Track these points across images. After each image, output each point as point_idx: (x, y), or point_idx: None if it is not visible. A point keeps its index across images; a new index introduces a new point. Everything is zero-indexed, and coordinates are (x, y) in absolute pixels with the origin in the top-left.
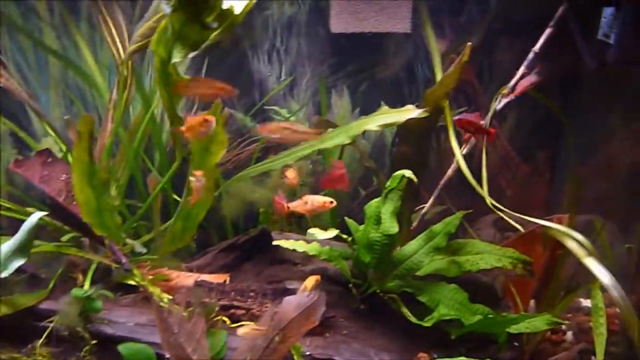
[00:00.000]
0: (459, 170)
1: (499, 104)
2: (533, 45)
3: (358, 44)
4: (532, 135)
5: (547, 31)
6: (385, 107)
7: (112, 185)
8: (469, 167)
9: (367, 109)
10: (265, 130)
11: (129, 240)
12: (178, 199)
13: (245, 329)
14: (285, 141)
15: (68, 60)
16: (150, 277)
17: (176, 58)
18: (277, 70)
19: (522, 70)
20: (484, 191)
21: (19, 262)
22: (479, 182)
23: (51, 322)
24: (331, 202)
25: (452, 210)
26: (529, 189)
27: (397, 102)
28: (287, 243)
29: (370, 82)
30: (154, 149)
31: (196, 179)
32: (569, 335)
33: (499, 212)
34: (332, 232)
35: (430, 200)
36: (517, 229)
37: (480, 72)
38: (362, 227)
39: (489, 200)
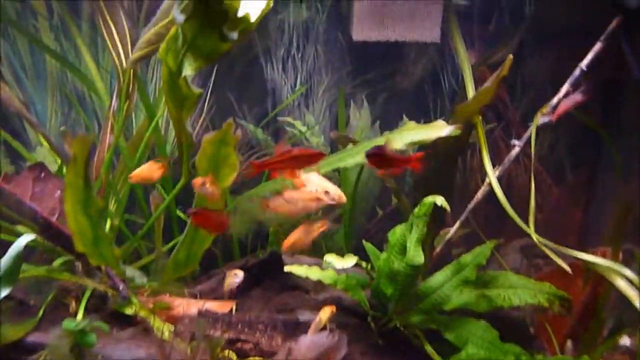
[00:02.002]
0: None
1: (541, 121)
2: (569, 57)
3: (378, 50)
4: (566, 155)
5: (597, 46)
6: (411, 123)
7: (111, 199)
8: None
9: (388, 122)
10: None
11: (128, 270)
12: (182, 216)
13: None
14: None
15: (67, 62)
16: (150, 305)
17: (188, 71)
18: (292, 78)
19: (565, 87)
20: (530, 228)
21: (4, 292)
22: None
23: (40, 356)
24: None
25: (477, 234)
26: (561, 214)
27: (420, 115)
28: (300, 269)
29: (391, 92)
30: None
31: (201, 186)
32: None
33: (547, 250)
34: (351, 260)
35: (456, 225)
36: (547, 256)
37: (511, 86)
38: (383, 254)
39: (535, 237)
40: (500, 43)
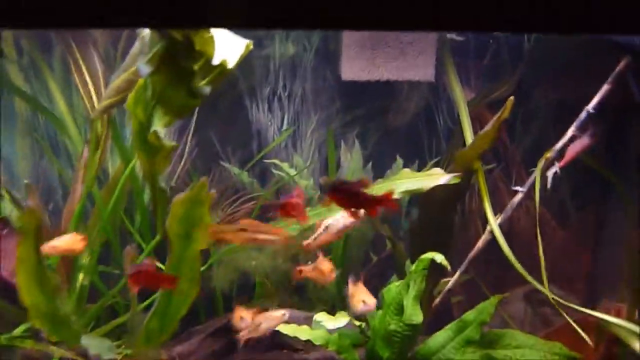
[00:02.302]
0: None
1: (548, 175)
2: (573, 95)
3: (369, 88)
4: (569, 194)
5: (604, 88)
6: (406, 170)
7: (85, 251)
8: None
9: (381, 163)
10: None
11: (94, 343)
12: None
13: None
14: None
15: (39, 105)
16: None
17: (158, 125)
18: (279, 119)
19: (571, 131)
20: (544, 285)
21: None
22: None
23: None
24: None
25: (476, 282)
26: (568, 258)
27: (414, 155)
28: (289, 328)
29: (384, 131)
30: (134, 209)
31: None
32: None
33: (562, 311)
34: (343, 319)
35: (456, 275)
36: (553, 305)
37: (511, 125)
38: (379, 313)
39: (551, 296)
40: (499, 80)
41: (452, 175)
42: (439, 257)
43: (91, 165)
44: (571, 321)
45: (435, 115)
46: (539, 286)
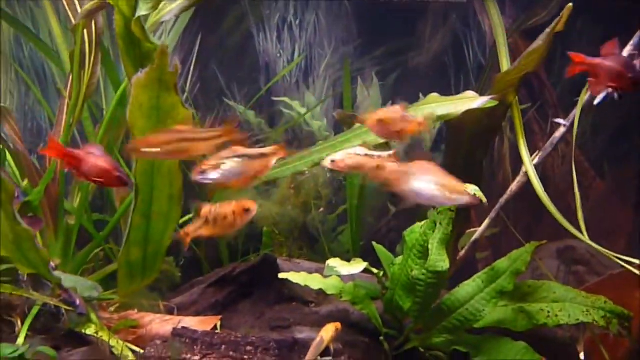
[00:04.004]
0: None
1: (594, 98)
2: (621, 29)
3: (391, 18)
4: (611, 142)
5: None
6: (434, 94)
7: (75, 194)
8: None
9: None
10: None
11: (70, 279)
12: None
13: None
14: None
15: (24, 28)
16: (115, 322)
17: (143, 10)
18: (289, 51)
19: (628, 50)
20: (584, 235)
21: None
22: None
23: None
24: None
25: (505, 236)
26: (607, 212)
27: (440, 94)
28: (298, 277)
29: (406, 67)
30: None
31: None
32: None
33: (626, 264)
34: (359, 265)
35: (485, 223)
36: (588, 262)
37: (549, 60)
38: (399, 259)
39: (595, 245)
40: (538, 6)
41: (487, 97)
42: (473, 188)
43: (76, 88)
44: (632, 268)
45: (465, 49)
46: (574, 231)
